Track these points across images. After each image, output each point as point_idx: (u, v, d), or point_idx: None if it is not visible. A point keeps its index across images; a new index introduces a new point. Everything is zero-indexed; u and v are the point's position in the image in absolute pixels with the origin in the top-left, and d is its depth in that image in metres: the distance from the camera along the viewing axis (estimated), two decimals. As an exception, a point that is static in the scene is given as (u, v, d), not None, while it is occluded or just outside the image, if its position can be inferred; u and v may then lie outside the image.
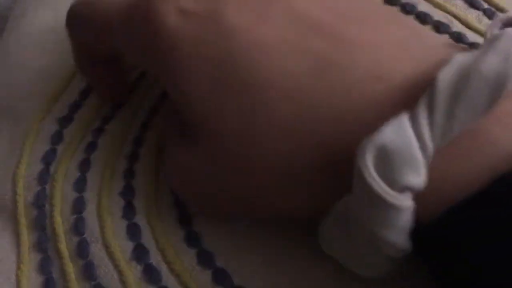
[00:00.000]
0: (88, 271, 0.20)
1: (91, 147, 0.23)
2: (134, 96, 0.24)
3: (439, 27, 0.23)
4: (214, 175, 0.18)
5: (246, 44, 0.17)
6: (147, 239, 0.21)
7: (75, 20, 0.22)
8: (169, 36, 0.18)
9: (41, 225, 0.22)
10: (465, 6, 0.24)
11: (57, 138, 0.23)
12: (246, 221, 0.20)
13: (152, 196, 0.21)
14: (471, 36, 0.23)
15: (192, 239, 0.20)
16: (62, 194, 0.22)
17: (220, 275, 0.20)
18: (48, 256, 0.21)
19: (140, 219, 0.21)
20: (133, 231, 0.21)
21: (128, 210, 0.21)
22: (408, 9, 0.24)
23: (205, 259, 0.20)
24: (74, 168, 0.23)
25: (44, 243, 0.21)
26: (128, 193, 0.22)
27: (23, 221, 0.22)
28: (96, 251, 0.21)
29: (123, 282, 0.20)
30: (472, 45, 0.23)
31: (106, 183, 0.22)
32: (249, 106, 0.17)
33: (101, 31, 0.20)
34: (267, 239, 0.20)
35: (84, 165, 0.22)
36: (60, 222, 0.21)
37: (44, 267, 0.21)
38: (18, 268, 0.21)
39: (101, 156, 0.23)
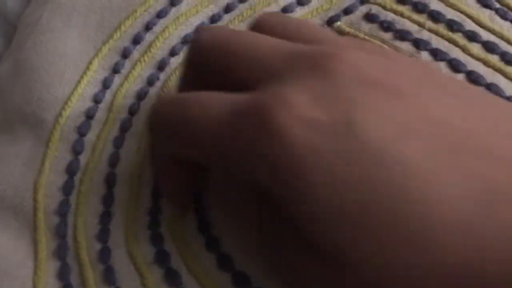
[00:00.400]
0: (108, 275, 0.20)
1: (114, 158, 0.23)
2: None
3: (452, 26, 0.23)
4: None
5: (392, 163, 0.14)
6: (168, 245, 0.21)
7: (161, 126, 0.19)
8: (298, 153, 0.15)
9: (63, 233, 0.22)
10: (478, 5, 0.24)
11: (79, 147, 0.23)
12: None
13: (174, 209, 0.22)
14: (485, 35, 0.23)
15: (211, 244, 0.21)
16: (87, 205, 0.22)
17: (239, 278, 0.20)
18: (67, 263, 0.21)
19: (163, 230, 0.21)
20: (155, 238, 0.21)
21: (154, 224, 0.21)
22: (420, 8, 0.24)
23: (224, 262, 0.20)
24: (101, 182, 0.23)
25: (64, 250, 0.21)
26: (153, 211, 0.22)
27: (42, 228, 0.22)
28: (118, 256, 0.21)
29: (144, 285, 0.20)
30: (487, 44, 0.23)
31: (133, 199, 0.22)
32: (400, 240, 0.14)
33: (194, 144, 0.18)
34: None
35: (110, 180, 0.23)
36: (83, 230, 0.22)
37: (62, 275, 0.21)
38: (35, 274, 0.21)
39: (126, 171, 0.23)
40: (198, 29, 0.20)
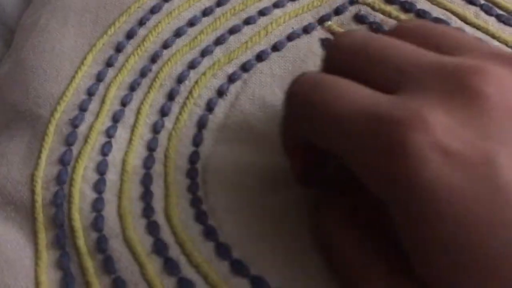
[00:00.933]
0: (107, 265, 0.21)
1: (107, 147, 0.23)
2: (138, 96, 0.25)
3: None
4: None
5: None
6: (165, 234, 0.21)
7: (295, 103, 0.18)
8: (430, 180, 0.14)
9: (59, 223, 0.22)
10: (463, 2, 0.25)
11: (72, 138, 0.24)
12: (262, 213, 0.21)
13: (170, 198, 0.22)
14: (470, 31, 0.24)
15: (209, 233, 0.21)
16: (80, 193, 0.22)
17: (237, 266, 0.20)
18: (66, 253, 0.21)
19: (159, 218, 0.22)
20: (152, 228, 0.21)
21: (148, 210, 0.22)
22: (407, 7, 0.25)
23: (222, 251, 0.21)
24: (93, 170, 0.23)
25: (62, 239, 0.22)
26: (147, 196, 0.22)
27: (40, 219, 0.22)
28: (116, 246, 0.21)
29: (143, 274, 0.20)
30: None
31: (126, 187, 0.22)
32: None
33: (324, 130, 0.17)
34: (284, 232, 0.21)
35: (103, 167, 0.23)
36: (78, 218, 0.22)
37: (62, 263, 0.21)
38: (36, 264, 0.21)
39: (118, 159, 0.23)
40: (337, 35, 0.20)
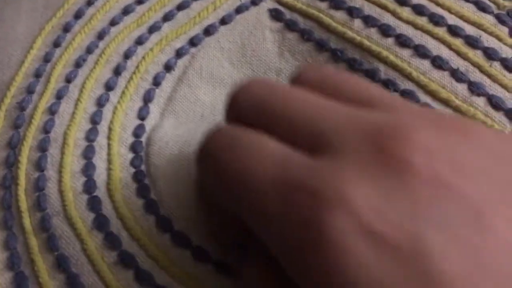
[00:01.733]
0: (51, 243, 0.21)
1: (50, 124, 0.23)
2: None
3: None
4: None
5: None
6: (107, 209, 0.21)
7: (206, 163, 0.16)
8: (352, 272, 0.12)
9: (7, 205, 0.22)
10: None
11: (19, 121, 0.24)
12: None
13: (113, 171, 0.22)
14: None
15: (150, 207, 0.21)
16: (25, 174, 0.22)
17: (178, 238, 0.20)
18: (13, 233, 0.21)
19: (101, 193, 0.21)
20: (93, 204, 0.21)
21: (89, 185, 0.22)
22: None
23: (163, 224, 0.20)
24: (36, 148, 0.23)
25: (10, 221, 0.22)
26: (89, 169, 0.22)
27: (-12, 202, 0.22)
28: (58, 223, 0.21)
29: (84, 250, 0.20)
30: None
31: (67, 160, 0.22)
32: None
33: (232, 196, 0.15)
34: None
35: (44, 143, 0.23)
36: (24, 199, 0.22)
37: (9, 244, 0.21)
38: None
39: (60, 134, 0.23)
40: (235, 88, 0.16)
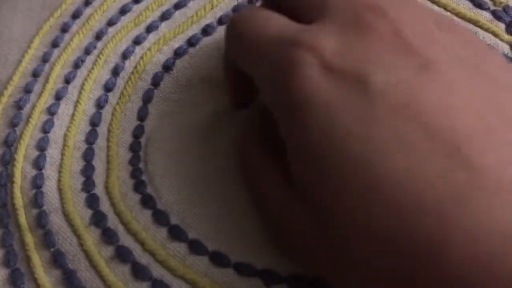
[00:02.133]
0: (47, 239, 0.20)
1: (49, 124, 0.23)
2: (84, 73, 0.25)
3: None
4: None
5: (388, 119, 0.14)
6: (104, 206, 0.21)
7: (231, 32, 0.20)
8: (304, 91, 0.15)
9: (3, 202, 0.22)
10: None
11: (16, 119, 0.24)
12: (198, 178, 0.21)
13: (111, 171, 0.22)
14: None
15: (147, 201, 0.21)
16: (22, 172, 0.22)
17: (175, 231, 0.20)
18: (9, 231, 0.21)
19: (99, 191, 0.21)
20: (91, 200, 0.21)
21: (88, 184, 0.22)
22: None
23: (160, 218, 0.20)
24: (33, 147, 0.23)
25: (6, 219, 0.21)
26: (88, 170, 0.22)
27: (-15, 200, 0.22)
28: (55, 220, 0.21)
29: (81, 245, 0.20)
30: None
31: (67, 161, 0.22)
32: (384, 202, 0.14)
33: (244, 54, 0.18)
34: (220, 195, 0.20)
35: (43, 143, 0.23)
36: (20, 197, 0.22)
37: (5, 241, 0.21)
38: None
39: (59, 135, 0.23)
40: None
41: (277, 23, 0.18)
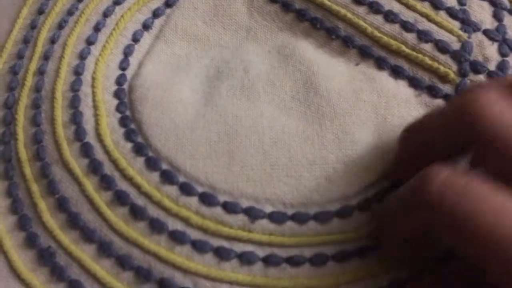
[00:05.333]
0: (51, 187, 0.22)
1: (40, 83, 0.25)
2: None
3: None
4: None
5: None
6: (99, 154, 0.23)
7: (437, 211, 0.16)
8: None
9: (8, 158, 0.23)
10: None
11: (13, 84, 0.25)
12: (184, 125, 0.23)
13: (100, 117, 0.23)
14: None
15: (139, 149, 0.22)
16: (23, 130, 0.24)
17: (167, 175, 0.22)
18: (15, 182, 0.23)
19: (91, 139, 0.23)
20: (86, 150, 0.23)
21: (79, 132, 0.23)
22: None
23: (152, 164, 0.22)
24: (30, 106, 0.24)
25: (11, 171, 0.23)
26: (77, 117, 0.23)
27: (-12, 157, 0.23)
28: (57, 170, 0.22)
29: (82, 191, 0.22)
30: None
31: (58, 113, 0.24)
32: None
33: (479, 246, 0.15)
34: (207, 138, 0.23)
35: (37, 101, 0.24)
36: (24, 152, 0.23)
37: (11, 191, 0.23)
38: None
39: (49, 90, 0.24)
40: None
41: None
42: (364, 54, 0.25)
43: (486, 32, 0.24)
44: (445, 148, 0.17)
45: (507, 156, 0.16)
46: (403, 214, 0.17)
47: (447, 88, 0.23)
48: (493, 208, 0.15)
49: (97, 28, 0.26)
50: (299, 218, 0.21)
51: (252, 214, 0.21)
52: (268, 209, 0.21)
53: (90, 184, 0.22)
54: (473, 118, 0.16)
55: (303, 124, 0.23)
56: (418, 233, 0.17)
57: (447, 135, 0.17)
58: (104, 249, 0.21)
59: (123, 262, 0.21)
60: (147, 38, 0.26)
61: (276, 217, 0.21)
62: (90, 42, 0.25)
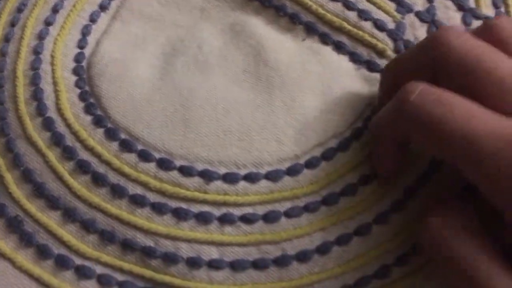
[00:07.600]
0: (16, 160, 0.23)
1: (2, 64, 0.25)
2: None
3: None
4: None
5: None
6: (60, 127, 0.23)
7: (414, 115, 0.18)
8: None
9: None
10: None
11: (9, 35, 0.26)
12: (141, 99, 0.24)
13: (60, 92, 0.24)
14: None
15: (98, 121, 0.23)
16: None
17: (126, 144, 0.23)
18: None
19: (52, 113, 0.24)
20: (48, 124, 0.24)
21: (40, 108, 0.24)
22: None
23: (111, 134, 0.23)
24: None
25: None
26: (38, 94, 0.24)
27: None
28: (21, 144, 0.23)
29: (46, 162, 0.23)
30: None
31: (20, 90, 0.24)
32: None
33: (451, 146, 0.17)
34: (162, 111, 0.24)
35: (0, 81, 0.25)
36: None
37: None
38: None
39: (10, 70, 0.25)
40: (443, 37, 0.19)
41: (487, 114, 0.17)
42: (310, 30, 0.26)
43: (417, 14, 0.26)
44: (418, 75, 0.19)
45: (469, 78, 0.18)
46: (390, 125, 0.19)
47: (384, 63, 0.25)
48: (463, 112, 0.17)
49: (55, 10, 0.26)
50: (251, 177, 0.22)
51: (207, 176, 0.22)
52: (222, 170, 0.22)
53: (53, 156, 0.23)
54: (440, 44, 0.18)
55: (254, 93, 0.24)
56: (404, 143, 0.20)
57: (419, 63, 0.19)
58: (69, 215, 0.22)
59: (87, 226, 0.22)
60: (104, 19, 0.27)
61: (230, 178, 0.22)
62: (48, 23, 0.26)
